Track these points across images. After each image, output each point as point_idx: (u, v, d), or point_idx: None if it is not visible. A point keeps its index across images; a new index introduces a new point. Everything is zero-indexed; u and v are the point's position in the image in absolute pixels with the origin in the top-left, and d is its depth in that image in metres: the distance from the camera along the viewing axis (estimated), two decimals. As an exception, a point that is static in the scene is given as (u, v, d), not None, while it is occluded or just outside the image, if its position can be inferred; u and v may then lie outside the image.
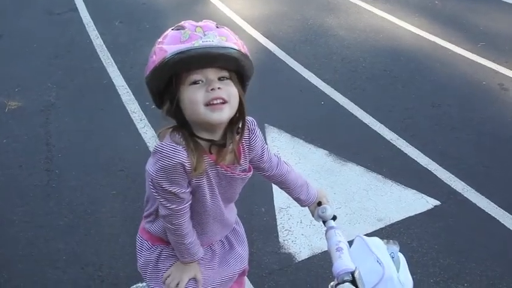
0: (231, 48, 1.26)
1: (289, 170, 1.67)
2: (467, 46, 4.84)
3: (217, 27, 1.29)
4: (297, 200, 1.71)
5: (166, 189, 1.34)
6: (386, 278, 1.35)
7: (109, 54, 4.83)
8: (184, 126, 1.34)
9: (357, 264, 1.36)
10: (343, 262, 1.36)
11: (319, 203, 1.68)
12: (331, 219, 1.59)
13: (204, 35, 1.25)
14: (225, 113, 1.30)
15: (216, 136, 1.37)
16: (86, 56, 4.85)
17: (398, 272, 1.41)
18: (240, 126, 1.41)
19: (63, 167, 3.34)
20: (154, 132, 3.63)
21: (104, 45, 5.01)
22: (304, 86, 4.29)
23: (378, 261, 1.39)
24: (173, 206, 1.37)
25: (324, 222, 1.61)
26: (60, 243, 2.74)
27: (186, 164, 1.31)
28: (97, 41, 5.12)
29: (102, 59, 4.75)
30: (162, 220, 1.45)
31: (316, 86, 4.26)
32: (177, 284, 1.52)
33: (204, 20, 1.31)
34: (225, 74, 1.30)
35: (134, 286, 2.35)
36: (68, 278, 2.53)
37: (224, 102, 1.29)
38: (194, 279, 1.55)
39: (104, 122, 3.82)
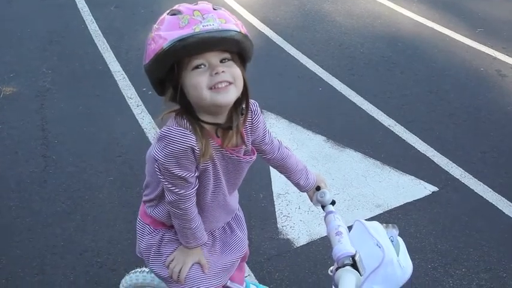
0: (232, 30, 1.24)
1: (289, 155, 1.66)
2: (465, 32, 4.82)
3: (214, 9, 1.27)
4: (297, 185, 1.70)
5: (175, 174, 1.33)
6: (386, 261, 1.35)
7: (104, 40, 4.78)
8: (188, 111, 1.33)
9: (357, 248, 1.36)
10: (343, 246, 1.35)
11: (318, 188, 1.67)
12: (330, 203, 1.59)
13: (203, 18, 1.22)
14: (232, 94, 1.29)
15: (221, 119, 1.36)
16: (81, 41, 4.79)
17: (398, 256, 1.41)
18: (244, 107, 1.39)
19: (60, 153, 3.32)
20: (151, 117, 3.61)
21: (99, 31, 4.95)
22: (302, 72, 4.26)
23: (377, 245, 1.38)
24: (181, 191, 1.37)
25: (323, 207, 1.61)
26: (58, 229, 2.73)
27: (195, 148, 1.31)
28: (92, 26, 5.06)
29: (97, 44, 4.70)
30: (168, 206, 1.43)
31: (314, 72, 4.24)
32: (181, 269, 1.52)
33: (199, 2, 1.28)
34: (227, 55, 1.29)
35: (133, 271, 2.35)
36: (66, 263, 2.53)
37: (230, 83, 1.28)
38: (198, 263, 1.55)
39: (100, 108, 3.79)
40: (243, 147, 1.46)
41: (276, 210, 2.83)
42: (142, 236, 1.61)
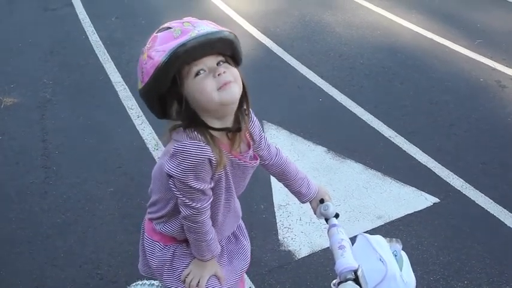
0: (225, 31, 1.31)
1: (288, 161, 1.67)
2: (465, 43, 4.84)
3: (200, 19, 1.33)
4: (298, 193, 1.69)
5: (194, 188, 1.34)
6: (389, 276, 1.35)
7: (105, 50, 4.79)
8: (197, 121, 1.34)
9: (360, 262, 1.36)
10: (346, 260, 1.35)
11: (322, 200, 1.66)
12: (334, 216, 1.58)
13: (194, 26, 1.28)
14: (236, 90, 1.32)
15: (229, 122, 1.38)
16: (82, 51, 4.80)
17: (401, 270, 1.41)
18: (245, 107, 1.42)
19: (60, 164, 3.31)
20: (152, 128, 3.61)
21: (100, 41, 4.97)
22: (302, 82, 4.27)
23: (380, 260, 1.38)
24: (198, 205, 1.37)
25: (326, 220, 1.60)
26: (58, 241, 2.72)
27: (212, 159, 1.32)
28: (93, 36, 5.08)
29: (98, 55, 4.71)
30: (183, 221, 1.43)
31: (314, 83, 4.25)
32: (198, 282, 1.51)
33: (184, 18, 1.33)
34: (222, 58, 1.33)
35: (134, 284, 2.33)
36: (66, 275, 2.51)
37: (232, 82, 1.32)
38: (214, 276, 1.55)
39: (101, 119, 3.79)
40: (249, 152, 1.47)
41: (277, 221, 2.82)
42: (152, 254, 1.59)
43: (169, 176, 1.35)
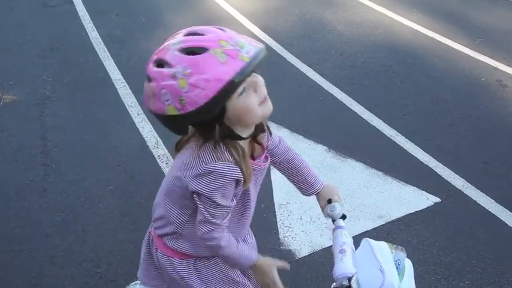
0: (263, 46, 1.26)
1: (292, 149, 1.66)
2: (466, 42, 4.83)
3: (222, 29, 1.24)
4: (304, 183, 1.65)
5: (220, 205, 1.34)
6: (386, 286, 1.32)
7: (105, 48, 4.77)
8: (230, 137, 1.30)
9: (359, 269, 1.34)
10: (344, 266, 1.33)
11: (330, 201, 1.62)
12: (340, 218, 1.56)
13: (235, 46, 1.19)
14: (269, 101, 1.32)
15: (253, 129, 1.37)
16: (81, 49, 4.78)
17: (401, 281, 1.38)
18: None
19: (60, 162, 3.29)
20: (151, 126, 3.59)
21: (100, 38, 4.95)
22: (303, 81, 4.26)
23: (380, 269, 1.35)
24: (218, 221, 1.37)
25: (333, 220, 1.58)
26: (57, 239, 2.70)
27: (240, 179, 1.33)
28: (93, 33, 5.06)
29: (98, 52, 4.69)
30: (201, 240, 1.41)
31: (315, 81, 4.24)
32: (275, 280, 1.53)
33: (198, 29, 1.24)
34: None
35: (133, 283, 2.33)
36: (65, 274, 2.50)
37: None
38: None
39: (100, 116, 3.77)
40: (263, 155, 1.47)
41: (277, 220, 2.81)
42: (173, 270, 1.56)
43: (195, 193, 1.34)
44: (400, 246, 1.42)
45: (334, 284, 1.40)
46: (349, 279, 1.27)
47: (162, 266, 1.59)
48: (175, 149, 1.44)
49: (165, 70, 1.20)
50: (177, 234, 1.50)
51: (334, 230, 1.51)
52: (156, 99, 1.23)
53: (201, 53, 1.18)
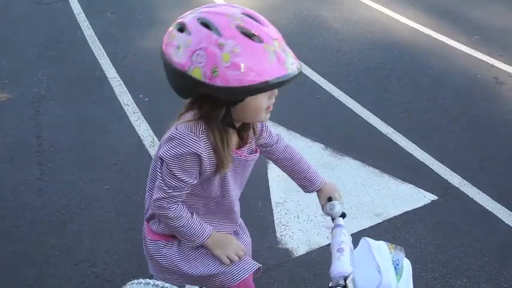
0: (301, 65, 1.27)
1: (292, 146, 1.67)
2: (462, 39, 4.83)
3: (273, 26, 1.26)
4: (305, 180, 1.64)
5: (175, 175, 1.35)
6: (383, 286, 1.31)
7: (101, 46, 4.74)
8: (225, 122, 1.32)
9: (357, 268, 1.33)
10: (341, 265, 1.32)
11: (330, 199, 1.62)
12: (340, 216, 1.55)
13: (284, 52, 1.21)
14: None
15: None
16: (77, 47, 4.76)
17: (398, 281, 1.37)
18: None
19: (55, 161, 3.27)
20: (147, 124, 3.58)
21: (96, 36, 4.92)
22: (299, 79, 4.21)
23: (377, 269, 1.34)
24: (170, 191, 1.38)
25: (333, 219, 1.57)
26: (53, 239, 2.69)
27: (202, 156, 1.32)
28: (88, 32, 5.03)
29: (93, 50, 4.67)
30: (152, 204, 1.44)
31: (311, 79, 4.22)
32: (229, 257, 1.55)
33: (258, 16, 1.25)
34: None
35: (129, 283, 2.31)
36: (61, 274, 2.48)
37: None
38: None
39: (96, 115, 3.75)
40: (247, 146, 1.47)
41: (274, 219, 2.80)
42: (159, 253, 1.58)
43: (161, 159, 1.36)
44: (399, 246, 1.40)
45: (331, 283, 1.39)
46: (345, 278, 1.26)
47: (149, 253, 1.60)
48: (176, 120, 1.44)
49: (214, 35, 1.17)
50: (158, 217, 1.52)
51: (333, 229, 1.50)
52: (185, 53, 1.19)
53: (255, 41, 1.17)
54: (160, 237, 1.57)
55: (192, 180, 1.37)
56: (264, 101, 1.29)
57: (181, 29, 1.23)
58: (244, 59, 1.15)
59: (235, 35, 1.17)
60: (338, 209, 1.56)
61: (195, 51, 1.17)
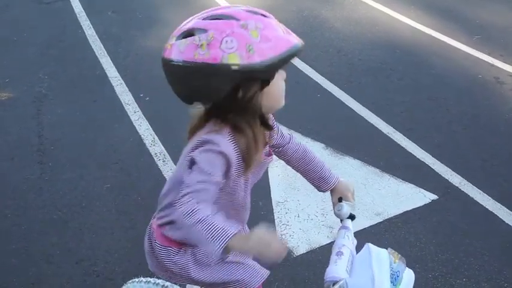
0: None
1: (304, 145, 1.66)
2: (463, 39, 4.83)
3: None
4: (319, 179, 1.60)
5: (203, 170, 1.26)
6: None
7: (101, 45, 4.75)
8: (259, 118, 1.36)
9: (354, 275, 1.32)
10: (336, 269, 1.31)
11: (340, 199, 1.58)
12: (348, 218, 1.52)
13: (287, 29, 1.29)
14: None
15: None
16: (78, 46, 4.77)
17: None
18: None
19: (56, 160, 3.28)
20: (148, 124, 3.58)
21: (97, 36, 4.93)
22: (300, 78, 4.25)
23: (371, 280, 1.32)
24: (197, 186, 1.25)
25: (341, 220, 1.55)
26: (54, 238, 2.69)
27: (231, 158, 1.31)
28: (89, 31, 5.04)
29: (94, 50, 4.67)
30: (177, 203, 1.24)
31: (312, 79, 4.23)
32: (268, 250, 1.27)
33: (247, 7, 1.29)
34: None
35: (130, 281, 2.31)
36: (62, 272, 2.49)
37: None
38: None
39: (97, 114, 3.76)
40: (266, 148, 1.48)
41: (275, 218, 2.80)
42: (170, 260, 1.54)
43: (189, 161, 1.29)
44: (403, 258, 1.38)
45: (325, 285, 1.39)
46: (334, 283, 1.25)
47: (159, 258, 1.57)
48: (189, 135, 1.40)
49: (232, 21, 1.21)
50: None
51: (338, 230, 1.49)
52: (211, 46, 1.19)
53: (266, 17, 1.25)
54: (171, 243, 1.52)
55: (219, 178, 1.30)
56: (283, 83, 1.33)
57: (190, 33, 1.23)
58: (268, 31, 1.22)
59: (250, 16, 1.23)
60: (346, 210, 1.52)
61: (222, 40, 1.19)
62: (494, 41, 4.80)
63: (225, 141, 1.30)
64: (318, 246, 2.63)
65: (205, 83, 1.22)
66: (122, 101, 3.89)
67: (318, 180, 1.61)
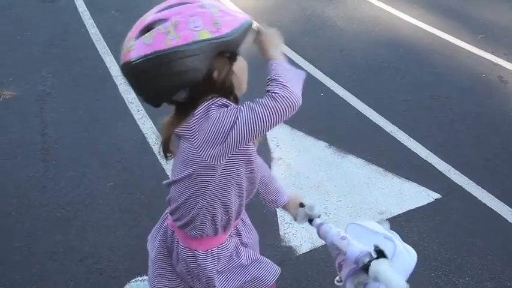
0: None
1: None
2: (467, 38, 4.82)
3: None
4: (276, 193, 1.75)
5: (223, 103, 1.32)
6: (398, 251, 1.36)
7: (105, 44, 4.76)
8: (233, 95, 1.37)
9: (367, 245, 1.36)
10: (356, 247, 1.36)
11: (301, 204, 1.67)
12: (317, 217, 1.61)
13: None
14: None
15: None
16: (81, 45, 4.77)
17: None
18: None
19: (60, 158, 3.29)
20: (152, 122, 3.59)
21: (100, 34, 4.93)
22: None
23: (386, 238, 1.39)
24: (232, 106, 1.31)
25: (310, 221, 1.61)
26: (58, 236, 2.70)
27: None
28: (93, 29, 5.05)
29: (98, 48, 4.68)
30: (267, 98, 1.33)
31: (315, 78, 4.23)
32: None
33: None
34: None
35: (134, 280, 2.32)
36: (66, 270, 2.50)
37: None
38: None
39: (100, 112, 3.76)
40: None
41: (278, 217, 2.80)
42: (195, 263, 1.52)
43: (197, 138, 1.32)
44: (382, 221, 1.49)
45: (339, 275, 1.42)
46: (376, 249, 1.29)
47: (183, 260, 1.54)
48: (165, 156, 1.50)
49: (189, 3, 1.25)
50: (197, 219, 1.43)
51: (319, 228, 1.53)
52: (179, 29, 1.21)
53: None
54: (197, 245, 1.50)
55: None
56: (245, 63, 1.37)
57: (150, 28, 1.25)
58: (223, 8, 1.28)
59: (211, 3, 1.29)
60: (317, 209, 1.61)
61: (187, 21, 1.22)
62: (498, 40, 4.79)
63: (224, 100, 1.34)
64: (320, 244, 2.62)
65: (181, 69, 1.22)
66: (125, 100, 3.89)
67: (276, 193, 1.76)
